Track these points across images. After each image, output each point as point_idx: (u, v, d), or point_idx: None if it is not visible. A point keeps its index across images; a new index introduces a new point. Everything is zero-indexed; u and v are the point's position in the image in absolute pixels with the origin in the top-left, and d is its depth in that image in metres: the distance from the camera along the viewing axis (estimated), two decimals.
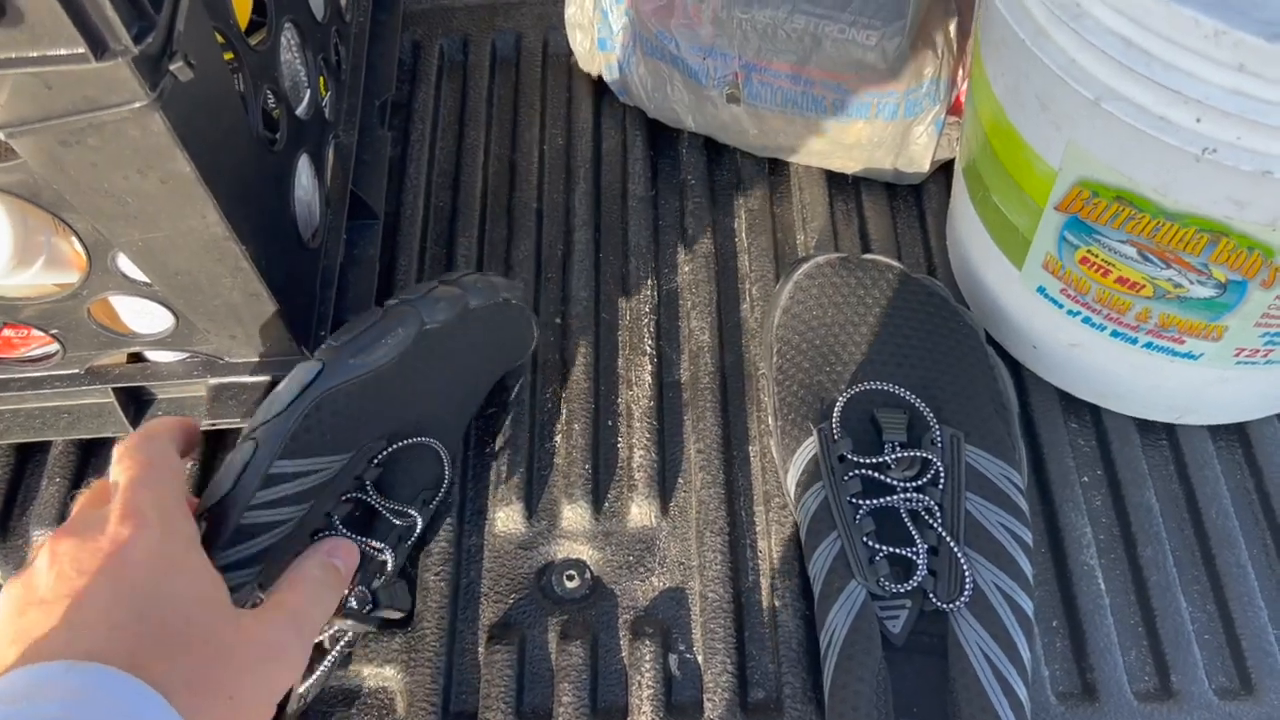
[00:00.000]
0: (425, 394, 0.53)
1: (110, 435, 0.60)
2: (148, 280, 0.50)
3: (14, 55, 0.36)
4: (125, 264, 0.49)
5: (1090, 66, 0.41)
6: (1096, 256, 0.48)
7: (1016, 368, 0.59)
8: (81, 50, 0.36)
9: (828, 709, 0.47)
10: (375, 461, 0.52)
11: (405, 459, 0.53)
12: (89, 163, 0.42)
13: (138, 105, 0.40)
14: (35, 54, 0.36)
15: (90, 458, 0.62)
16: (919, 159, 0.64)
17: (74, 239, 0.48)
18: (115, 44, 0.37)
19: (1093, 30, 0.40)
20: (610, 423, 0.61)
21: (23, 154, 0.42)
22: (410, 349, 0.52)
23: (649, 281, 0.66)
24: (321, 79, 0.62)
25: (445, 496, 0.56)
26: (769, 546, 0.56)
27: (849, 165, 0.67)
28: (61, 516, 0.60)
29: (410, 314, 0.53)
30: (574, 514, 0.58)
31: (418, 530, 0.53)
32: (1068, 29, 0.41)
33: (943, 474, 0.50)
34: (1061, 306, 0.53)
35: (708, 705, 0.52)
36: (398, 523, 0.52)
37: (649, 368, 0.62)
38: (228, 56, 0.48)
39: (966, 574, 0.47)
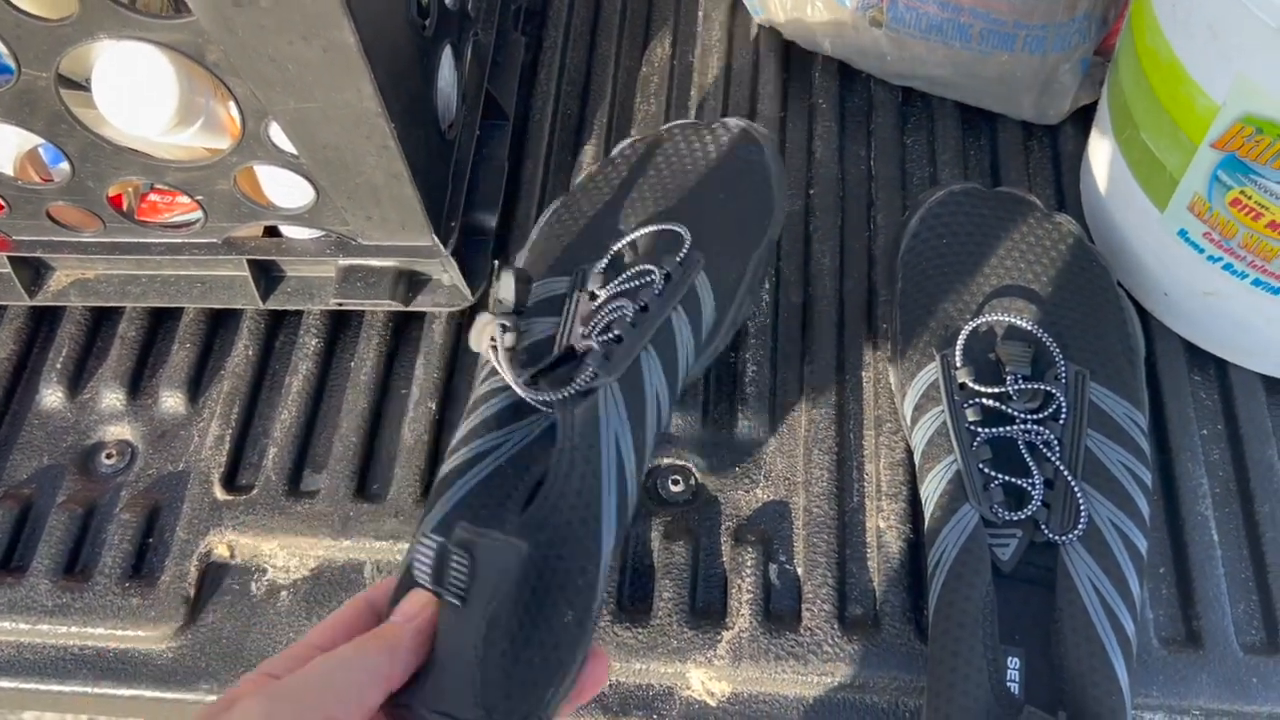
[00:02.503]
0: None
1: (239, 307, 0.62)
2: (295, 153, 0.51)
3: None
4: (277, 134, 0.51)
5: None
6: (1250, 199, 0.47)
7: (1144, 318, 0.58)
8: None
9: (932, 624, 0.47)
10: None
11: None
12: (258, 24, 0.43)
13: None
14: None
15: (219, 328, 0.64)
16: (1060, 98, 0.63)
17: (232, 104, 0.49)
18: None
19: None
20: None
21: (196, 11, 0.43)
22: None
23: None
24: None
25: None
26: (876, 470, 0.56)
27: (986, 99, 0.65)
28: (189, 380, 0.62)
29: None
30: (682, 421, 0.58)
31: None
32: None
33: (1065, 409, 0.49)
34: (1202, 251, 0.52)
35: (805, 615, 0.52)
36: None
37: (767, 286, 0.62)
38: None
39: (1082, 508, 0.47)
